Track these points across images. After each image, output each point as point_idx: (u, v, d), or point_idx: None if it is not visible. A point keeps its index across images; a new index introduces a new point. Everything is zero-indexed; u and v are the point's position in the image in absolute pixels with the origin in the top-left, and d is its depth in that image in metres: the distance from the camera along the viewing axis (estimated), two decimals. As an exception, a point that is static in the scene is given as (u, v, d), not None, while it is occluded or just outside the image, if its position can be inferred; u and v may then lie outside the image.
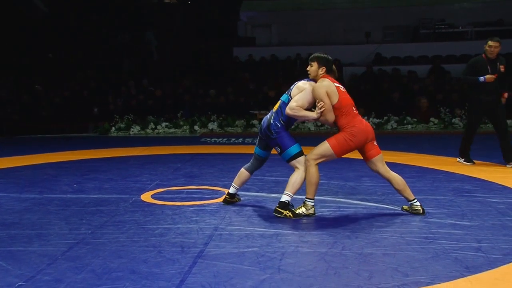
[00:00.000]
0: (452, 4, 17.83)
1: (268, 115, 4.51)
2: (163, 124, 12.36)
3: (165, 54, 17.96)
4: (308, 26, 18.42)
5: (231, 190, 4.79)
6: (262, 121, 4.53)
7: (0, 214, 4.51)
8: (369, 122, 11.95)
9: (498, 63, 6.62)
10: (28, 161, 7.60)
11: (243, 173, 4.73)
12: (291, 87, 4.48)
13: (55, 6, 18.09)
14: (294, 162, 4.36)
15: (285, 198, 4.32)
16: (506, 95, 6.65)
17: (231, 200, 4.80)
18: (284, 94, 4.49)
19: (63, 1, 18.08)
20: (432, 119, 11.96)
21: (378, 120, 12.05)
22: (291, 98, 4.39)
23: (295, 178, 4.33)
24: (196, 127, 12.16)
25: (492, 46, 6.56)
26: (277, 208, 4.33)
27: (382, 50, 16.77)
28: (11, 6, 16.95)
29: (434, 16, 17.51)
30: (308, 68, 4.43)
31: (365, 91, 14.16)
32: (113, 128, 12.35)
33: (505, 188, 5.31)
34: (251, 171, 4.74)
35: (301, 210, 4.33)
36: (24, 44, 16.88)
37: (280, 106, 4.44)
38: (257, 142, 4.68)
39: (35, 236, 3.81)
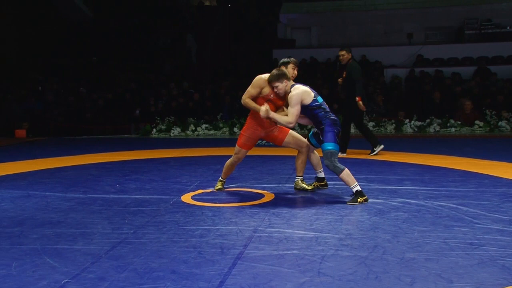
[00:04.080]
0: (499, 3, 17.27)
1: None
2: (203, 126, 12.47)
3: (205, 57, 18.15)
4: (348, 27, 18.26)
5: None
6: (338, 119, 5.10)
7: (47, 212, 4.66)
8: (410, 125, 11.89)
9: (344, 69, 7.97)
10: (72, 162, 7.81)
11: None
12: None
13: (99, 10, 18.58)
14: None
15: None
16: (358, 99, 7.68)
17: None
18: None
19: (106, 6, 18.55)
20: (477, 122, 11.62)
21: (420, 123, 11.80)
22: None
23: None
24: (235, 129, 12.22)
25: (339, 55, 8.04)
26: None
27: (424, 51, 16.44)
28: (57, 10, 17.50)
29: (480, 16, 17.03)
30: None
31: (407, 94, 13.93)
32: (154, 130, 12.56)
33: (555, 193, 5.10)
34: None
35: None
36: (69, 47, 17.40)
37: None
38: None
39: (80, 235, 3.91)
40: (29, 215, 4.55)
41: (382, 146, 7.93)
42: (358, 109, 7.76)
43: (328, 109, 5.05)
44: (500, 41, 16.25)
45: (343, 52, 7.89)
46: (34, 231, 4.04)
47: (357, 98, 7.66)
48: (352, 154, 7.97)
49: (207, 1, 21.66)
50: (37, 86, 15.25)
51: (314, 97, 4.98)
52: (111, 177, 6.47)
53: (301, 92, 4.94)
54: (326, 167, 4.95)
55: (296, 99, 4.90)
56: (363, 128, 8.18)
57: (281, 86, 4.97)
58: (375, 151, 7.91)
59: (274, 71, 5.02)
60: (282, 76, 4.98)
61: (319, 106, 4.98)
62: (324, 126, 4.94)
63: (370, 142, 8.03)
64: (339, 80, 8.15)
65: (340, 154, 7.81)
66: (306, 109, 4.99)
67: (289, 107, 4.95)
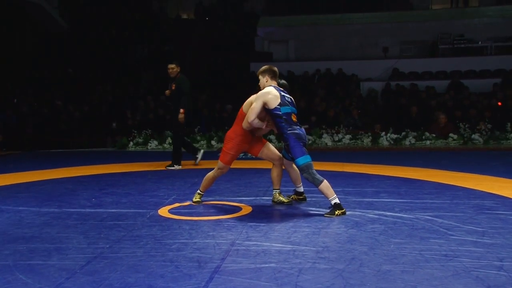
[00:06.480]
0: (471, 19, 17.73)
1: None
2: (181, 139, 12.39)
3: (183, 69, 18.09)
4: (325, 41, 18.46)
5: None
6: (303, 132, 5.06)
7: (21, 227, 4.57)
8: (387, 138, 11.99)
9: (173, 82, 8.23)
10: (47, 176, 7.69)
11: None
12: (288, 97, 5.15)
13: (75, 21, 18.42)
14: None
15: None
16: (181, 111, 8.08)
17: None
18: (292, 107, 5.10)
19: (82, 17, 18.40)
20: (451, 134, 11.83)
21: (396, 136, 11.95)
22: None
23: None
24: (213, 142, 12.19)
25: (168, 68, 8.26)
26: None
27: (399, 65, 16.72)
28: (32, 21, 17.29)
29: (453, 31, 17.43)
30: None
31: (383, 107, 14.10)
32: (131, 143, 12.45)
33: (526, 205, 5.21)
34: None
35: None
36: (45, 59, 17.18)
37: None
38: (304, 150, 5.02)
39: (54, 250, 3.84)
40: (1, 231, 4.45)
41: (202, 151, 8.75)
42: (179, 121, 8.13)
43: (292, 122, 4.98)
44: (472, 55, 16.66)
45: (173, 66, 8.23)
46: (6, 246, 3.95)
47: (181, 110, 8.05)
48: (325, 166, 8.02)
49: (184, 13, 21.69)
50: (12, 98, 14.99)
51: (279, 105, 4.95)
52: (87, 191, 6.39)
53: (265, 93, 4.98)
54: (306, 180, 4.97)
55: (259, 97, 4.97)
56: (180, 142, 8.48)
57: (261, 80, 5.19)
58: (197, 158, 8.58)
59: (266, 66, 5.25)
60: (266, 72, 5.17)
61: (280, 116, 4.95)
62: (288, 142, 4.96)
63: (191, 152, 8.65)
64: (167, 92, 8.43)
65: (176, 167, 8.37)
66: (270, 114, 5.04)
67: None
